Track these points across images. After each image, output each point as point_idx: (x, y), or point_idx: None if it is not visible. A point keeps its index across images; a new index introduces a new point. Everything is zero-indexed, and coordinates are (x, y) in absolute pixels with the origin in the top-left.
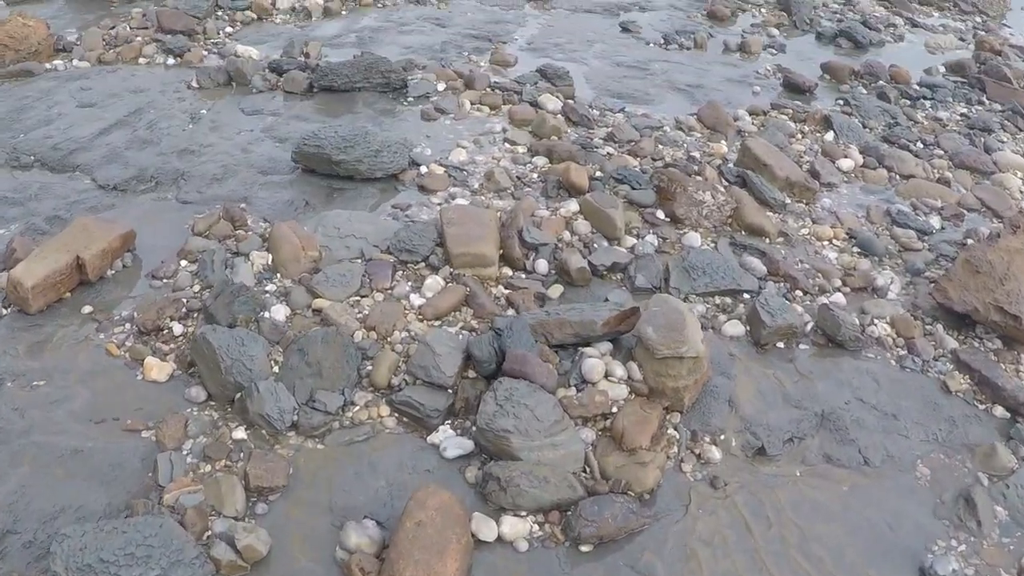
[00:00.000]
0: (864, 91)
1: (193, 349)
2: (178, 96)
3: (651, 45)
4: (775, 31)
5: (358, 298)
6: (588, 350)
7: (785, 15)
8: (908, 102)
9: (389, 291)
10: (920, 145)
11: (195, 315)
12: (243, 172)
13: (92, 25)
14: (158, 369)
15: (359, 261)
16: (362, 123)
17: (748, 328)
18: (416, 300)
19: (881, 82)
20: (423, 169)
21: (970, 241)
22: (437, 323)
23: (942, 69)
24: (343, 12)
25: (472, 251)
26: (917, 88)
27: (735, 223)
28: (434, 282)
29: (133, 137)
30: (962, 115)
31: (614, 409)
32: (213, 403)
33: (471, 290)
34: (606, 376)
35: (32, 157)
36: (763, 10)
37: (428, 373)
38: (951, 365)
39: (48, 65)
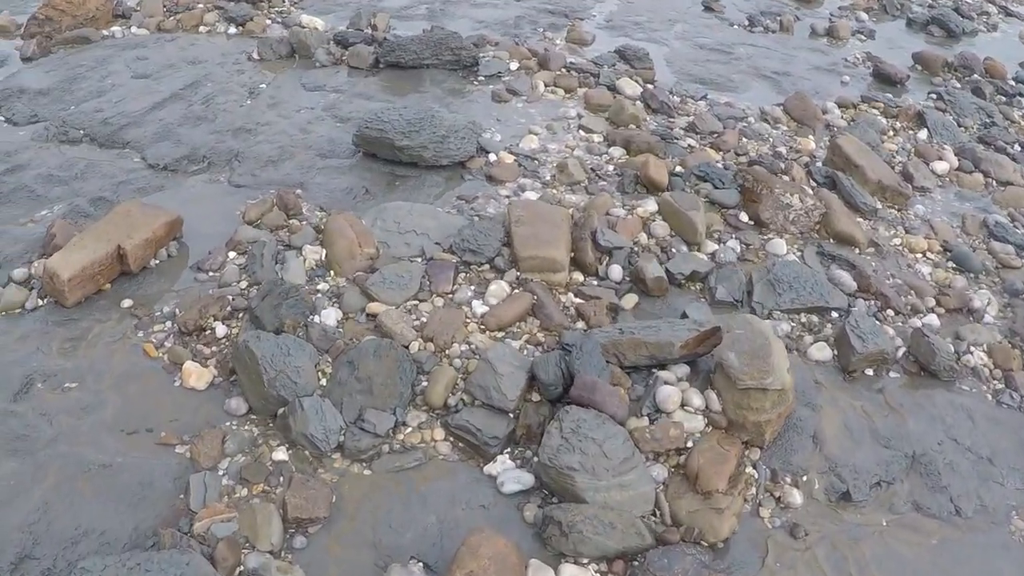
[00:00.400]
0: (958, 85)
1: (235, 357)
2: (237, 68)
3: (735, 27)
4: (864, 15)
5: (416, 302)
6: (664, 374)
7: None
8: (1004, 99)
9: (450, 296)
10: (1017, 148)
11: (240, 315)
12: (300, 154)
13: None
14: (197, 375)
15: (419, 260)
16: (429, 103)
17: (836, 352)
18: (478, 307)
19: (975, 76)
20: (492, 157)
21: None
22: (500, 334)
23: None
24: None
25: (542, 254)
26: (1013, 84)
27: (823, 230)
28: (499, 288)
29: (188, 112)
30: None
31: (689, 443)
32: (254, 417)
33: (538, 298)
34: (682, 406)
35: (81, 131)
36: None
37: (488, 395)
38: None
39: (105, 32)
